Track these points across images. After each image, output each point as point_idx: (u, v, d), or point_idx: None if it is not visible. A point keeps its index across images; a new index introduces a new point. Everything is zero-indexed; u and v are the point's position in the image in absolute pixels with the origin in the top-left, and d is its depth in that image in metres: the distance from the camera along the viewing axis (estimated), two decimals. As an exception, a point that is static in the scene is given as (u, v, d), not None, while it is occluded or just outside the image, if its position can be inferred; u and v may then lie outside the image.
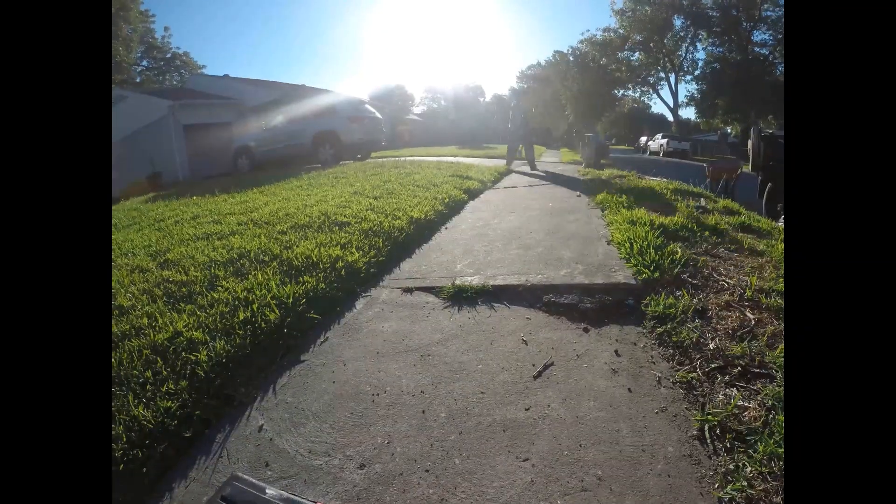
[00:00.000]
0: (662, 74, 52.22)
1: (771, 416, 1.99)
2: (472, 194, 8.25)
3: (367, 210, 5.81)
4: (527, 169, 13.50)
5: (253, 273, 3.74)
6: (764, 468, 1.73)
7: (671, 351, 2.62)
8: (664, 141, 38.64)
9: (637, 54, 51.02)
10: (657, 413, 2.12)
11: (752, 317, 2.80)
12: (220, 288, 3.52)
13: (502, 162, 15.02)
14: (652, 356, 2.59)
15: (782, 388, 2.13)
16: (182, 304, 3.32)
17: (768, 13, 43.46)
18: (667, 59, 50.74)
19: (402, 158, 16.12)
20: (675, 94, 51.59)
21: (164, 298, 3.48)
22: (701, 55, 50.28)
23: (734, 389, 2.22)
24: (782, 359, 2.35)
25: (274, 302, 3.18)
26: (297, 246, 4.33)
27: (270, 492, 1.19)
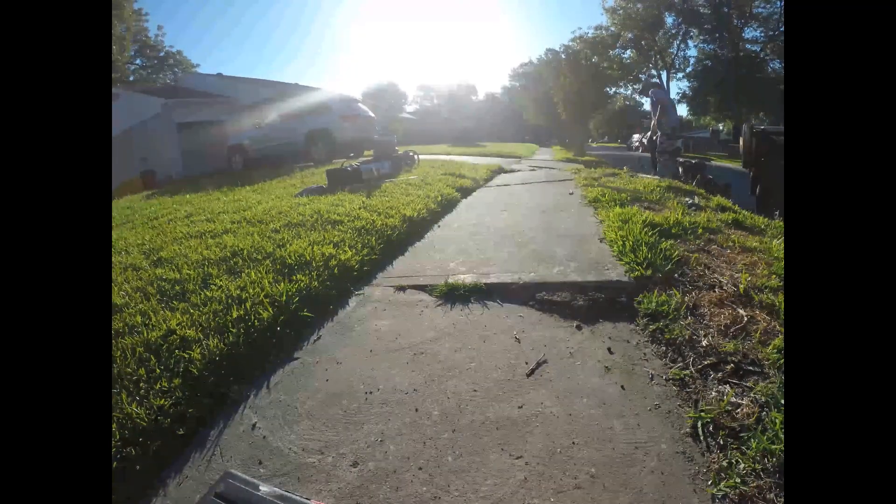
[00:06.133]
0: (654, 72, 52.34)
1: (764, 412, 2.00)
2: (465, 192, 8.25)
3: (359, 208, 5.81)
4: (517, 167, 13.52)
5: (246, 271, 3.73)
6: (757, 465, 1.74)
7: (664, 348, 2.63)
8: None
9: (629, 52, 51.17)
10: (650, 410, 2.13)
11: (744, 314, 2.81)
12: (213, 286, 3.51)
13: (495, 160, 15.06)
14: (645, 353, 2.60)
15: (775, 385, 2.14)
16: (175, 303, 3.32)
17: (759, 10, 43.61)
18: (658, 56, 50.87)
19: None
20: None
21: (158, 296, 3.47)
22: (692, 52, 50.47)
23: (727, 386, 2.23)
24: (775, 355, 2.36)
25: (267, 300, 3.17)
26: (291, 244, 4.32)
27: (264, 489, 1.19)
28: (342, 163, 10.40)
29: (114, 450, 2.02)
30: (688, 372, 2.36)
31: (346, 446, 2.04)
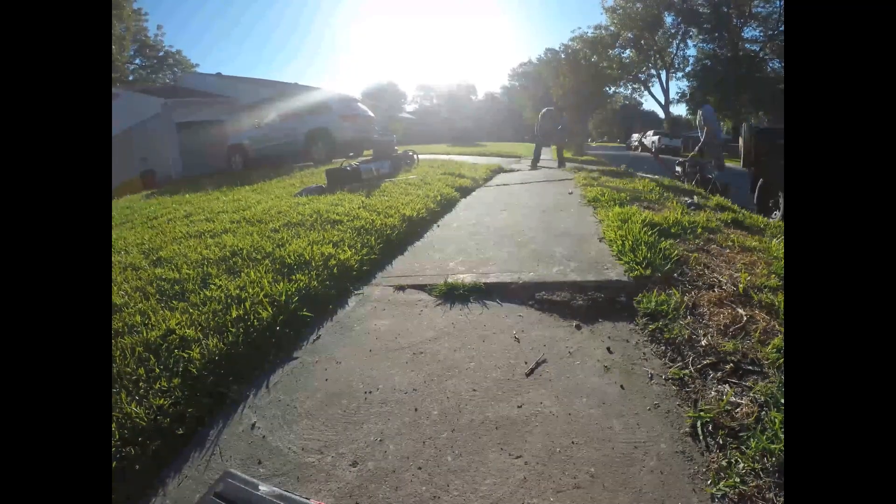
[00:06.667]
0: (653, 71, 52.32)
1: (763, 412, 2.01)
2: (465, 192, 8.25)
3: (359, 208, 5.81)
4: (517, 167, 13.53)
5: (245, 271, 3.73)
6: (756, 464, 1.74)
7: (663, 348, 2.63)
8: (655, 138, 38.63)
9: (628, 51, 51.10)
10: (650, 410, 2.13)
11: (743, 313, 2.81)
12: (212, 286, 3.51)
13: (495, 160, 15.07)
14: (644, 353, 2.60)
15: (774, 385, 2.14)
16: (175, 302, 3.31)
17: (759, 9, 43.58)
18: (658, 56, 50.81)
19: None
20: (666, 92, 51.70)
21: (157, 296, 3.47)
22: (692, 52, 50.39)
23: (726, 386, 2.23)
24: (774, 355, 2.36)
25: (267, 300, 3.17)
26: (290, 244, 4.32)
27: (263, 488, 1.19)
28: (342, 162, 10.37)
29: (113, 449, 2.02)
30: (687, 371, 2.37)
31: (345, 446, 2.04)
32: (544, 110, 15.09)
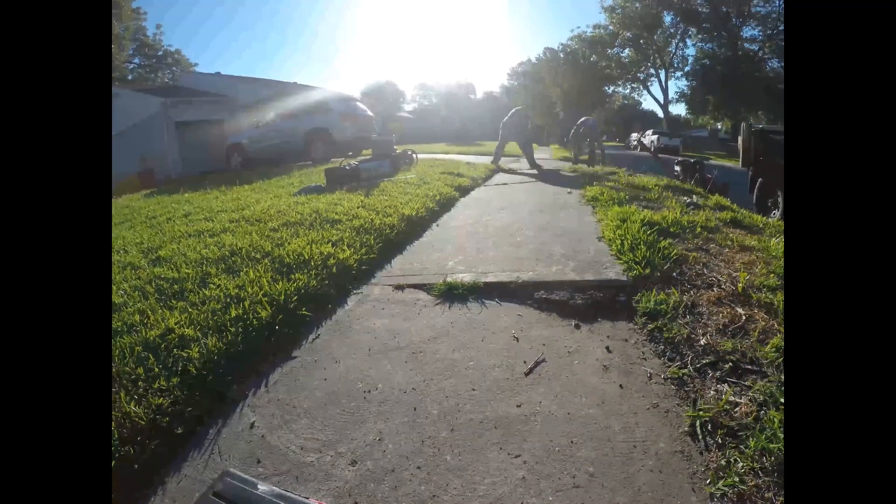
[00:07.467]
0: (653, 71, 52.28)
1: (762, 411, 2.00)
2: (464, 191, 8.24)
3: (358, 207, 5.80)
4: (516, 166, 13.53)
5: (245, 270, 3.72)
6: (755, 464, 1.75)
7: (662, 347, 2.63)
8: (654, 137, 38.59)
9: (627, 51, 51.05)
10: (648, 409, 2.13)
11: (742, 312, 2.81)
12: (211, 285, 3.50)
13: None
14: (643, 352, 2.60)
15: (773, 384, 2.14)
16: (174, 301, 3.31)
17: (758, 9, 43.57)
18: (657, 55, 50.76)
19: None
20: (665, 91, 51.66)
21: (156, 295, 3.47)
22: (691, 51, 50.35)
23: (725, 385, 2.23)
24: (773, 354, 2.36)
25: (266, 299, 3.17)
26: (289, 243, 4.32)
27: (262, 487, 1.19)
28: (341, 162, 10.36)
29: (113, 449, 2.02)
30: (686, 371, 2.37)
31: (344, 445, 2.04)
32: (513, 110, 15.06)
